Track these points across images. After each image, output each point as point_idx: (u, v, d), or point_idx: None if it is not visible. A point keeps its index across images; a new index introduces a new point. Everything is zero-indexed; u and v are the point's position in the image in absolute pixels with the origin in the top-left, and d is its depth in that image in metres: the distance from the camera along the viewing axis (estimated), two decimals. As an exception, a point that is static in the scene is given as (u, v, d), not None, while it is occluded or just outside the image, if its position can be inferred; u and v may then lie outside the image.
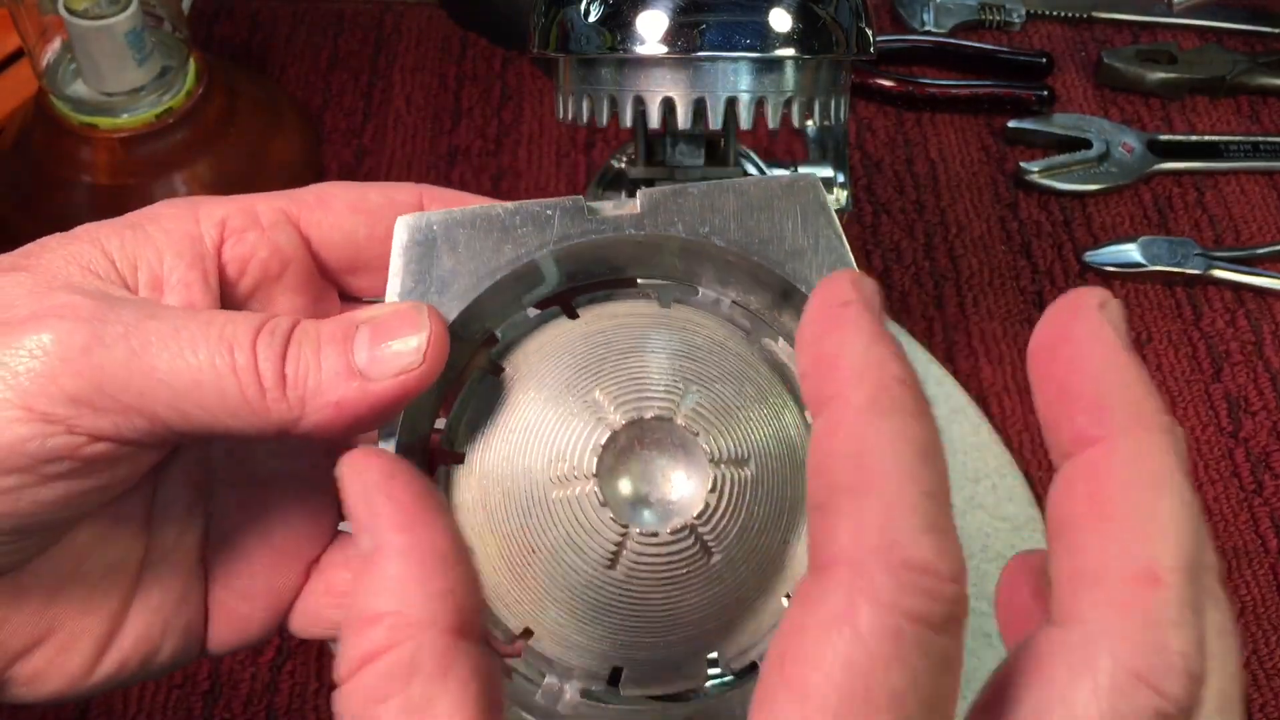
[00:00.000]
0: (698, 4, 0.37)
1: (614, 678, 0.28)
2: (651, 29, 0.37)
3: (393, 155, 0.69)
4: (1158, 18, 0.77)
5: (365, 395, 0.25)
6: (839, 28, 0.38)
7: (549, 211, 0.28)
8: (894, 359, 0.19)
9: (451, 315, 0.27)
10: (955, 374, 0.59)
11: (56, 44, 0.61)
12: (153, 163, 0.61)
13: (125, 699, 0.49)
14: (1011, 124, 0.70)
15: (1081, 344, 0.20)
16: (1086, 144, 0.69)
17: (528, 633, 0.27)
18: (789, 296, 0.28)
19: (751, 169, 0.48)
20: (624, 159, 0.46)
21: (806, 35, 0.37)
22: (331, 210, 0.29)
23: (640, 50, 0.37)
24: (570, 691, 0.28)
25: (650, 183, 0.45)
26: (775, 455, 0.27)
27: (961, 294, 0.64)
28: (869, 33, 0.40)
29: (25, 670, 0.27)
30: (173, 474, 0.29)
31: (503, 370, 0.28)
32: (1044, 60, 0.74)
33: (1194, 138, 0.70)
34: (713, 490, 0.26)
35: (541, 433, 0.27)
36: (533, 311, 0.29)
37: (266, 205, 0.29)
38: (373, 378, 0.24)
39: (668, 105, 0.38)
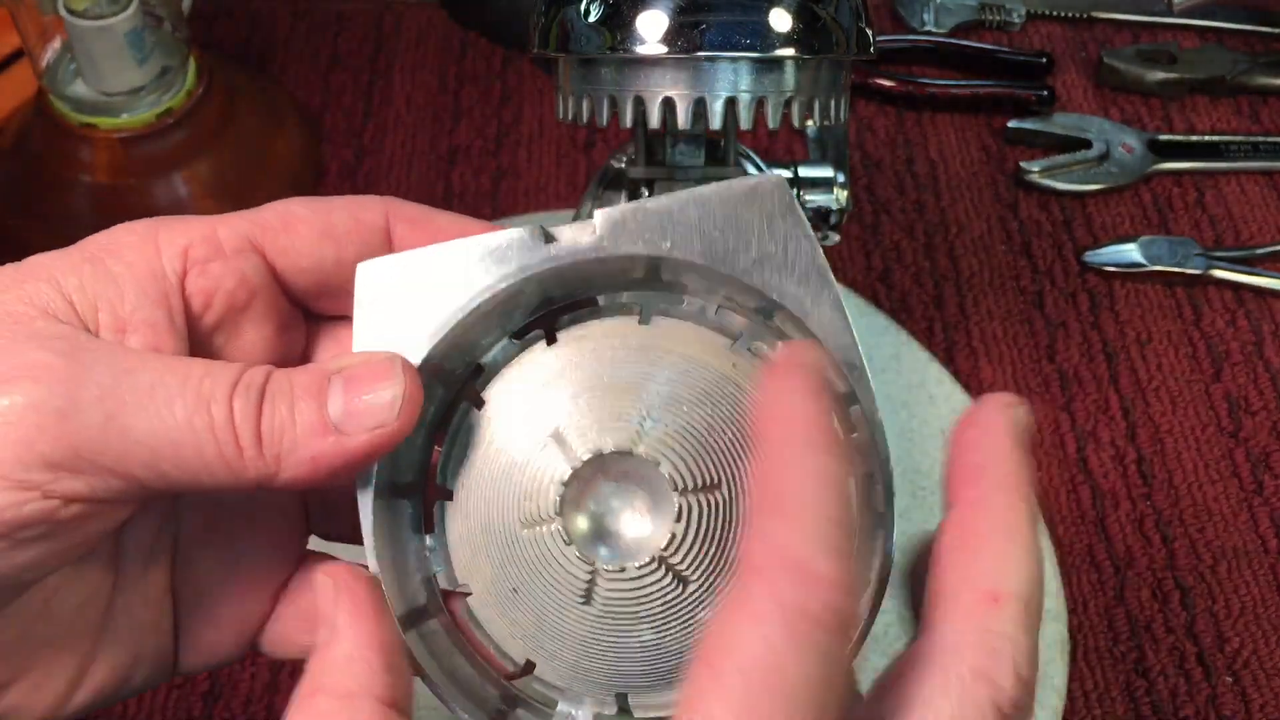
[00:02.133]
0: (698, 4, 0.37)
1: (625, 701, 0.28)
2: (651, 29, 0.37)
3: (393, 155, 0.69)
4: (1158, 17, 0.77)
5: (340, 450, 0.25)
6: (839, 28, 0.38)
7: (506, 245, 0.27)
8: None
9: (418, 358, 0.27)
10: (955, 374, 0.59)
11: (56, 44, 0.61)
12: (153, 163, 0.61)
13: (125, 701, 0.49)
14: (1012, 124, 0.70)
15: (982, 430, 0.25)
16: (1087, 144, 0.69)
17: (530, 665, 0.28)
18: (768, 307, 0.28)
19: (751, 169, 0.48)
20: (624, 159, 0.46)
21: (807, 35, 0.37)
22: (297, 235, 0.28)
23: (640, 50, 0.37)
24: (583, 717, 0.28)
25: (650, 183, 0.45)
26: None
27: (961, 294, 0.63)
28: (869, 33, 0.40)
29: (0, 707, 0.27)
30: (139, 510, 0.29)
31: (484, 403, 0.28)
32: (1044, 60, 0.74)
33: (1194, 138, 0.70)
34: (679, 520, 0.26)
35: (511, 471, 0.27)
36: (515, 341, 0.29)
37: (230, 231, 0.28)
38: (348, 432, 0.25)
39: (668, 105, 0.38)
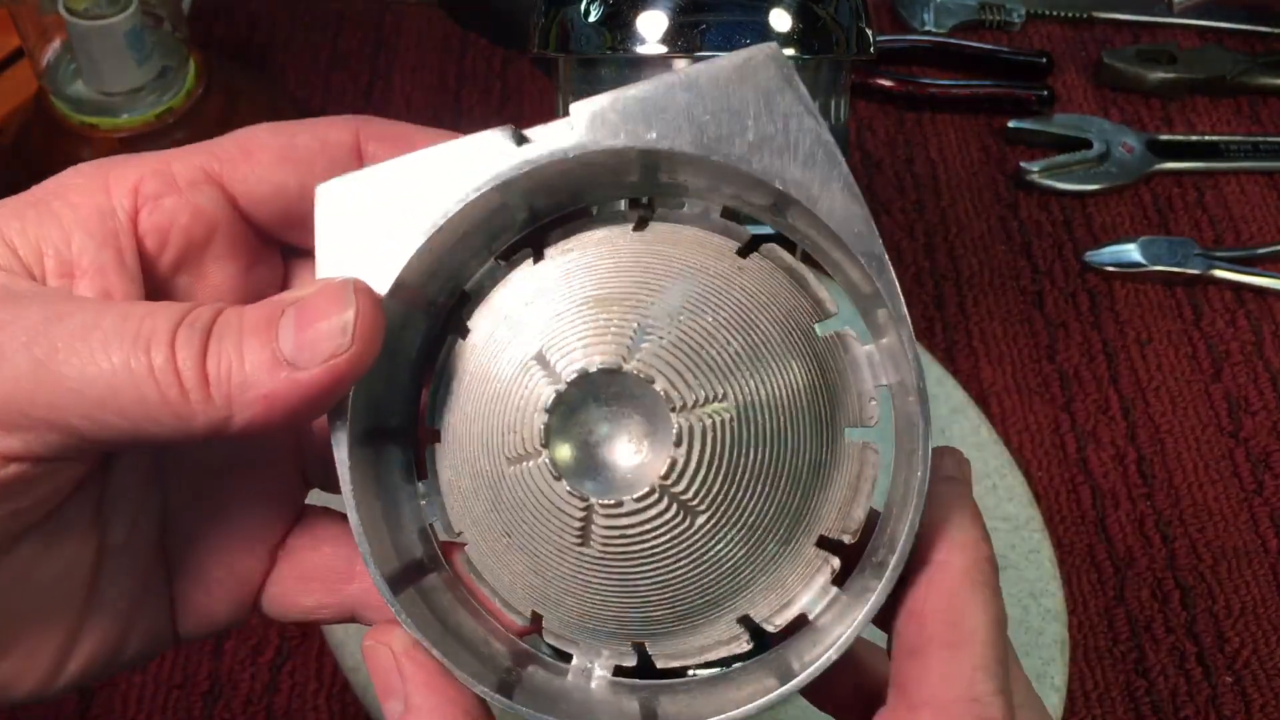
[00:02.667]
0: (698, 4, 0.37)
1: (643, 650, 0.25)
2: (652, 29, 0.37)
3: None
4: (1158, 18, 0.77)
5: (295, 385, 0.22)
6: (839, 28, 0.38)
7: (476, 151, 0.25)
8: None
9: (387, 283, 0.24)
10: (955, 374, 0.59)
11: (56, 44, 0.61)
12: (153, 163, 0.61)
13: (125, 700, 0.49)
14: (1012, 124, 0.70)
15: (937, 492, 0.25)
16: (1087, 144, 0.69)
17: (537, 617, 0.25)
18: (779, 202, 0.25)
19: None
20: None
21: (806, 35, 0.37)
22: (257, 162, 0.26)
23: (640, 50, 0.37)
24: (600, 670, 0.26)
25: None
26: (769, 390, 0.24)
27: (961, 294, 0.63)
28: (869, 33, 0.40)
29: None
30: (118, 468, 0.27)
31: (469, 332, 0.26)
32: (1044, 60, 0.74)
33: (1194, 138, 0.70)
34: (679, 444, 0.23)
35: (494, 403, 0.24)
36: (502, 262, 0.27)
37: (183, 164, 0.26)
38: (301, 365, 0.22)
39: (668, 105, 0.38)
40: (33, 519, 0.24)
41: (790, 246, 0.26)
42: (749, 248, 0.26)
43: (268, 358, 0.22)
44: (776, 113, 0.24)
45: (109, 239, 0.25)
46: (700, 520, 0.24)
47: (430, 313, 0.26)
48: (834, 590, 0.25)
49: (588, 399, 0.24)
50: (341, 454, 0.25)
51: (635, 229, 0.26)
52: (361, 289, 0.23)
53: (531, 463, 0.24)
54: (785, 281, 0.25)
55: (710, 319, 0.24)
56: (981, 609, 0.23)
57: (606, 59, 0.38)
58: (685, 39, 0.36)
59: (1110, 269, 0.64)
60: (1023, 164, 0.68)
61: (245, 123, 0.67)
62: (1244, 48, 0.75)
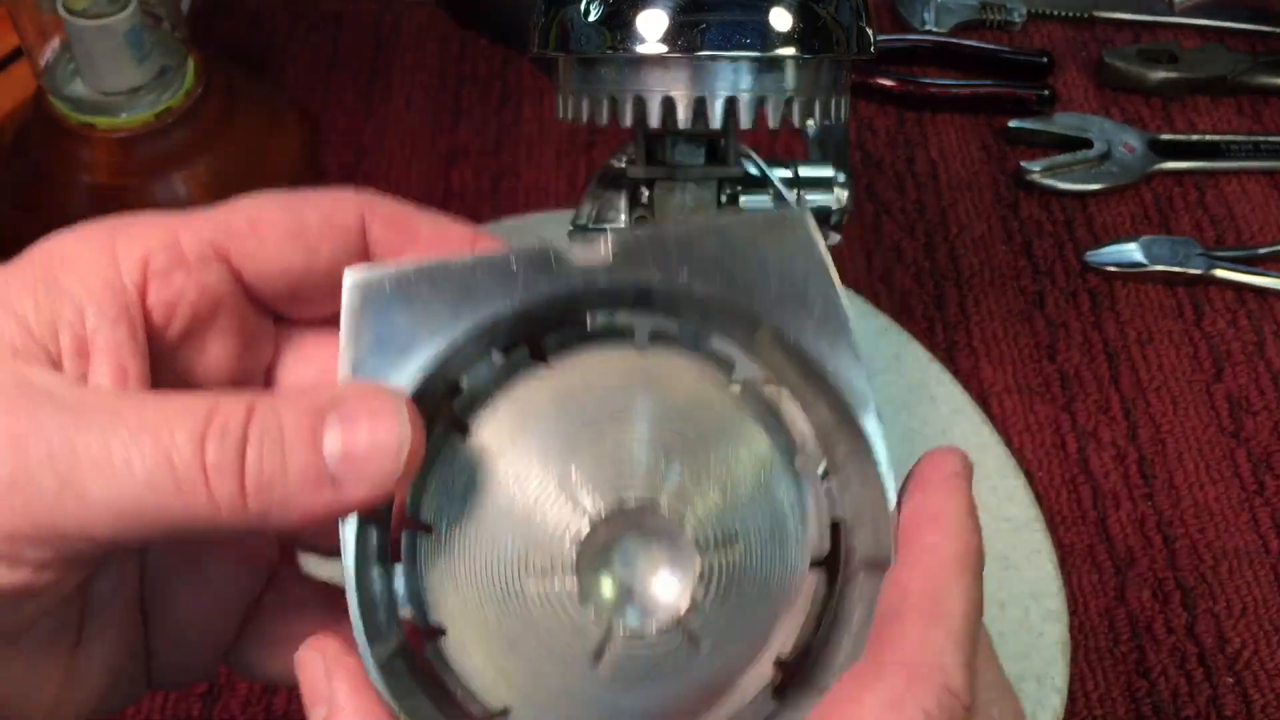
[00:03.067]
0: (698, 3, 0.36)
1: None
2: (652, 28, 0.36)
3: (392, 155, 0.69)
4: (1159, 17, 0.77)
5: (337, 504, 0.22)
6: (839, 27, 0.38)
7: (513, 265, 0.25)
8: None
9: (413, 384, 0.25)
10: (955, 374, 0.59)
11: (55, 43, 0.61)
12: (151, 162, 0.61)
13: (124, 700, 0.49)
14: (1012, 123, 0.70)
15: (938, 484, 0.26)
16: (1088, 143, 0.69)
17: (505, 711, 0.26)
18: (779, 339, 0.26)
19: (752, 169, 0.48)
20: (624, 159, 0.46)
21: (807, 34, 0.37)
22: (265, 240, 0.26)
23: (640, 50, 0.37)
24: None
25: (650, 183, 0.45)
26: (763, 526, 0.26)
27: (962, 294, 0.63)
28: (869, 32, 0.40)
29: None
30: None
31: (468, 429, 0.26)
32: (1045, 60, 0.73)
33: (1195, 137, 0.70)
34: (701, 580, 0.25)
35: (515, 516, 0.25)
36: (499, 357, 0.27)
37: (192, 237, 0.26)
38: (345, 484, 0.22)
39: (668, 105, 0.38)
40: (50, 606, 0.25)
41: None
42: (742, 383, 0.27)
43: (313, 475, 0.22)
44: (798, 271, 0.26)
45: (121, 315, 0.25)
46: (702, 649, 0.25)
47: (423, 401, 0.26)
48: (773, 703, 0.26)
49: (616, 531, 0.25)
50: (349, 535, 0.24)
51: (639, 350, 0.27)
52: (411, 409, 0.23)
53: (556, 583, 0.24)
54: (773, 421, 0.27)
55: (724, 454, 0.26)
56: (963, 592, 0.24)
57: (606, 58, 0.37)
58: (685, 38, 0.36)
59: (1111, 269, 0.64)
60: (1023, 164, 0.68)
61: (244, 122, 0.67)
62: (1245, 47, 0.75)
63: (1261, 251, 0.65)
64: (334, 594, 0.29)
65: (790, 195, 0.48)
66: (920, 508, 0.25)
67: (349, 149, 0.69)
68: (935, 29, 0.76)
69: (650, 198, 0.46)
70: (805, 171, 0.51)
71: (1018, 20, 0.76)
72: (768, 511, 0.26)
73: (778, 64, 0.38)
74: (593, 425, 0.25)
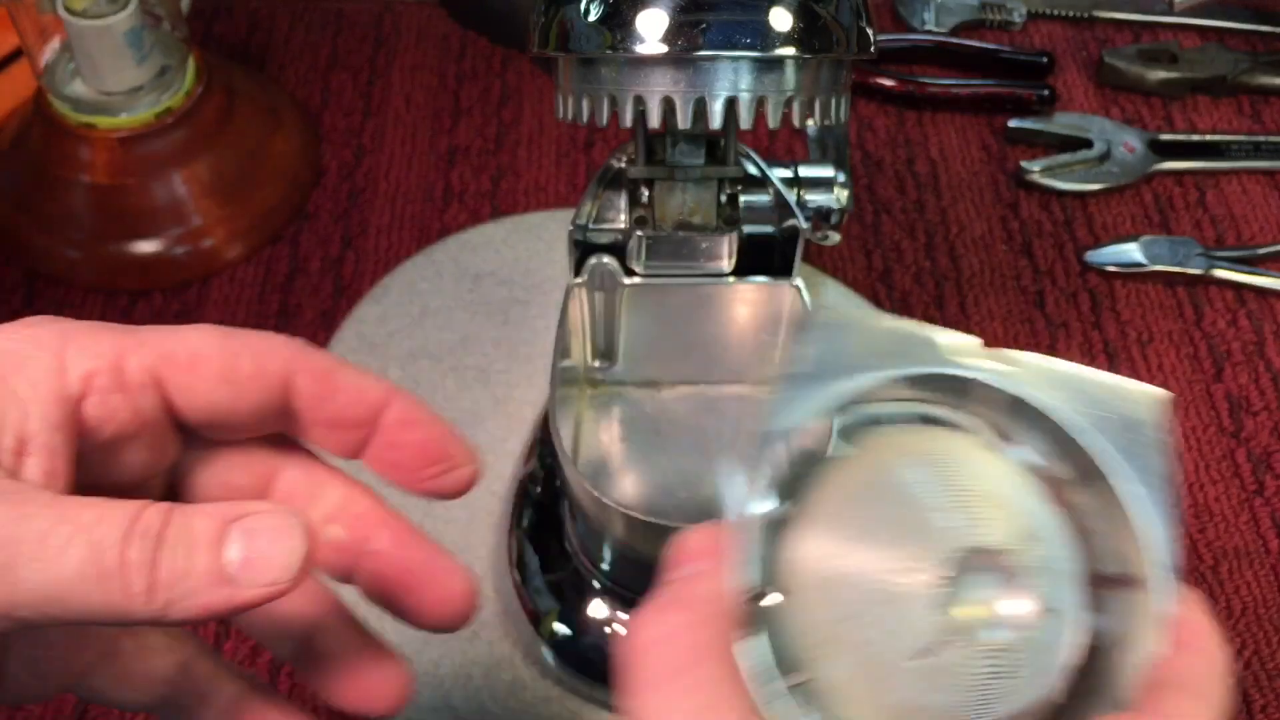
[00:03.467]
0: (698, 3, 0.36)
1: None
2: (651, 28, 0.36)
3: (392, 154, 0.69)
4: (1159, 17, 0.77)
5: (233, 602, 0.25)
6: (839, 27, 0.38)
7: (962, 376, 0.27)
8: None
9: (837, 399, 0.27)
10: (956, 374, 0.59)
11: (55, 43, 0.61)
12: (151, 162, 0.61)
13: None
14: (1012, 123, 0.70)
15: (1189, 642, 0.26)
16: (1088, 143, 0.69)
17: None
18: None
19: (752, 168, 0.48)
20: (624, 158, 0.46)
21: (807, 34, 0.37)
22: (200, 378, 0.29)
23: (640, 49, 0.37)
24: None
25: (650, 183, 0.45)
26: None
27: (962, 294, 0.63)
28: (869, 32, 0.40)
29: None
30: None
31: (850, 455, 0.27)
32: (1045, 60, 0.73)
33: (1195, 137, 0.70)
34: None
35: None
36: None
37: (137, 363, 0.28)
38: (242, 585, 0.25)
39: (668, 104, 0.38)
40: None
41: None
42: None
43: (214, 573, 0.25)
44: (1152, 457, 0.27)
45: (62, 422, 0.27)
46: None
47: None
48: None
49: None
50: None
51: (971, 442, 0.28)
52: (308, 529, 0.26)
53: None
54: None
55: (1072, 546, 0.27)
56: (1219, 692, 0.25)
57: (606, 58, 0.37)
58: (685, 38, 0.36)
59: (1111, 269, 0.64)
60: (1023, 163, 0.68)
61: (244, 122, 0.67)
62: (1245, 47, 0.75)
63: (1261, 251, 0.65)
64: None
65: (790, 195, 0.48)
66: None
67: (349, 148, 0.69)
68: (935, 29, 0.76)
69: (650, 197, 0.46)
70: (805, 171, 0.51)
71: (1018, 20, 0.76)
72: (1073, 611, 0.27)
73: (778, 64, 0.38)
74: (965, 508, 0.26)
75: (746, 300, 0.49)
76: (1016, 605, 0.26)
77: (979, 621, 0.25)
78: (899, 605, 0.25)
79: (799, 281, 0.47)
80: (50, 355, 0.27)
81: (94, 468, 0.29)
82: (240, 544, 0.25)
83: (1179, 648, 0.26)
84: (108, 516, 0.25)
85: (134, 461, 0.29)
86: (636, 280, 0.47)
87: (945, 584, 0.25)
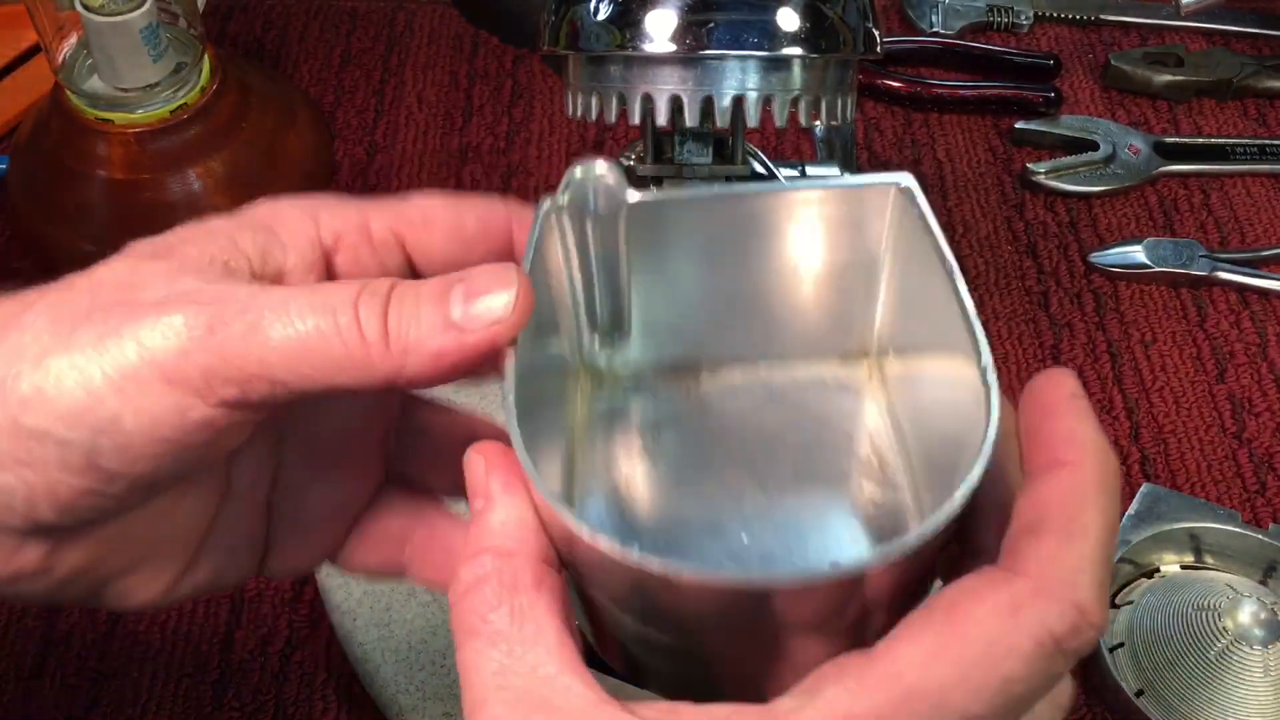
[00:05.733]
0: (706, 3, 0.37)
1: None
2: (660, 27, 0.37)
3: (404, 152, 0.70)
4: (1165, 20, 0.77)
5: (461, 345, 0.27)
6: (846, 27, 0.39)
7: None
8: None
9: None
10: (960, 373, 0.59)
11: (73, 40, 0.61)
12: (167, 158, 0.62)
13: (136, 688, 0.50)
14: (1018, 125, 0.71)
15: (1066, 403, 0.27)
16: (1093, 145, 0.69)
17: None
18: None
19: (759, 168, 0.49)
20: (632, 156, 0.47)
21: (814, 34, 0.38)
22: (435, 235, 0.32)
23: (648, 48, 0.37)
24: None
25: (658, 182, 0.45)
26: None
27: (967, 294, 0.64)
28: (876, 32, 0.40)
29: (114, 590, 0.31)
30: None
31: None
32: (1051, 62, 0.74)
33: (1200, 140, 0.71)
34: None
35: None
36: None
37: (380, 224, 0.31)
38: (468, 329, 0.27)
39: (675, 103, 0.38)
40: (220, 455, 0.30)
41: None
42: None
43: (440, 320, 0.27)
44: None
45: (315, 264, 0.31)
46: None
47: None
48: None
49: None
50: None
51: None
52: (521, 274, 0.28)
53: None
54: None
55: None
56: (1101, 514, 0.25)
57: (615, 56, 0.38)
58: (693, 37, 0.37)
59: (1115, 270, 0.65)
60: (1029, 165, 0.68)
61: (258, 119, 0.68)
62: (1251, 50, 0.75)
63: (1265, 254, 0.65)
64: (430, 501, 0.35)
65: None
66: (1054, 428, 0.26)
67: (362, 146, 0.70)
68: (942, 31, 0.76)
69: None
70: (812, 171, 0.52)
71: (1024, 22, 0.77)
72: None
73: (785, 63, 0.38)
74: None
75: (824, 215, 0.32)
76: None
77: None
78: None
79: (906, 178, 0.32)
80: (302, 216, 0.31)
81: None
82: (461, 293, 0.27)
83: (1052, 468, 0.26)
84: (337, 288, 0.28)
85: None
86: (648, 196, 0.31)
87: None
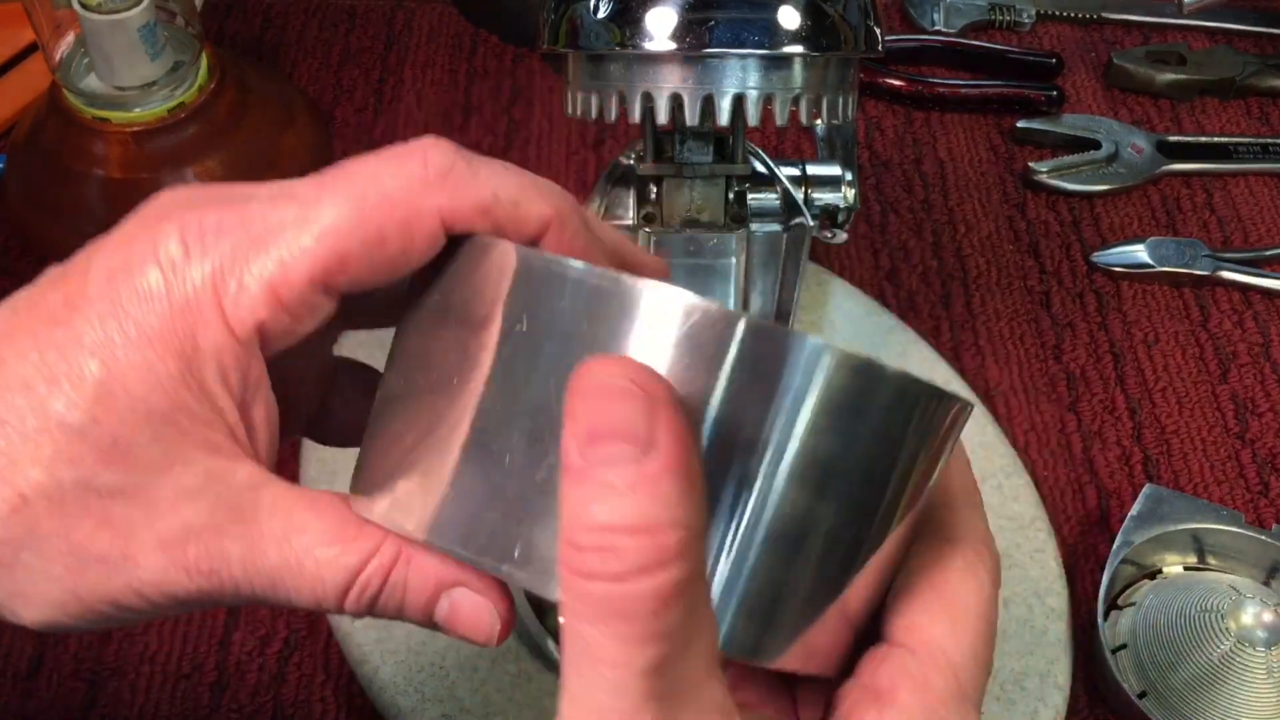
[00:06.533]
0: (707, 1, 0.37)
1: None
2: (660, 25, 0.37)
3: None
4: (1167, 19, 0.77)
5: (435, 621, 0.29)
6: (847, 25, 0.38)
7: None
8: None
9: None
10: (962, 373, 0.59)
11: (70, 38, 0.61)
12: (165, 157, 0.61)
13: (133, 689, 0.49)
14: (1020, 124, 0.71)
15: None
16: (1095, 144, 0.69)
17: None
18: None
19: (760, 166, 0.48)
20: (632, 155, 0.47)
21: (815, 32, 0.38)
22: (350, 271, 0.30)
23: (649, 46, 0.37)
24: None
25: (658, 180, 0.45)
26: None
27: (969, 293, 0.64)
28: (877, 31, 0.40)
29: None
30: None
31: None
32: (1053, 61, 0.74)
33: (1203, 139, 0.70)
34: None
35: None
36: None
37: (294, 281, 0.30)
38: (445, 626, 0.28)
39: (676, 101, 0.38)
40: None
41: None
42: None
43: (420, 619, 0.28)
44: None
45: (257, 378, 0.29)
46: None
47: None
48: None
49: None
50: None
51: None
52: (505, 612, 0.28)
53: None
54: None
55: None
56: (976, 485, 0.30)
57: (615, 55, 0.38)
58: (694, 35, 0.37)
59: (1118, 269, 0.64)
60: (1031, 164, 0.68)
61: (257, 118, 0.68)
62: (1254, 49, 0.75)
63: (1268, 253, 0.65)
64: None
65: (797, 194, 0.48)
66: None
67: (361, 144, 0.70)
68: (944, 29, 0.76)
69: (658, 195, 0.46)
70: (813, 170, 0.51)
71: (1027, 21, 0.77)
72: None
73: (785, 62, 0.38)
74: None
75: None
76: None
77: None
78: None
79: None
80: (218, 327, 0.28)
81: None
82: (446, 608, 0.28)
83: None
84: (335, 572, 0.27)
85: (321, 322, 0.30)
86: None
87: None
